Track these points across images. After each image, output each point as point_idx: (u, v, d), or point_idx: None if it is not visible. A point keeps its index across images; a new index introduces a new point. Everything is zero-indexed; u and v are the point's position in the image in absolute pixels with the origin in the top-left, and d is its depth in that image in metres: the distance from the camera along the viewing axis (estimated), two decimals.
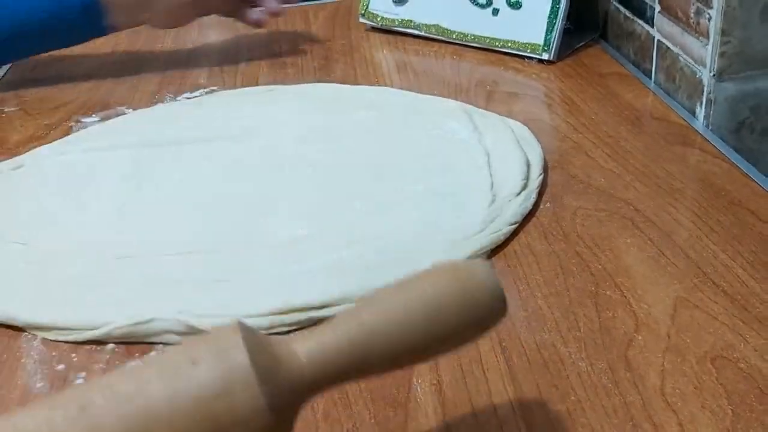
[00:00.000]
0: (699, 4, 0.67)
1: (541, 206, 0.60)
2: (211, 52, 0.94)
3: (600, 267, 0.53)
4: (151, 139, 0.70)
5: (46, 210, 0.62)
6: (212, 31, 0.99)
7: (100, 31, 0.84)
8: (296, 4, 0.98)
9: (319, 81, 0.82)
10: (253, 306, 0.49)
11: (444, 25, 0.88)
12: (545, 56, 0.82)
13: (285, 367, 0.33)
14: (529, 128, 0.68)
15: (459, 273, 0.36)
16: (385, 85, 0.81)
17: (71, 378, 0.47)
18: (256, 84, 0.83)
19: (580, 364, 0.45)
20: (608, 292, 0.50)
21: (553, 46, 0.82)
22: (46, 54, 0.88)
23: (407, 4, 0.91)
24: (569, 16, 0.83)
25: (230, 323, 0.33)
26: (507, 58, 0.85)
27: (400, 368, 0.37)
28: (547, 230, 0.57)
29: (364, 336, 0.34)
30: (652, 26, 0.77)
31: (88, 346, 0.49)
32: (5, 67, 0.93)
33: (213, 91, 0.82)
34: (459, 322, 0.35)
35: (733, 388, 0.43)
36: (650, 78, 0.78)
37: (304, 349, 0.34)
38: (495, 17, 0.86)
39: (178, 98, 0.81)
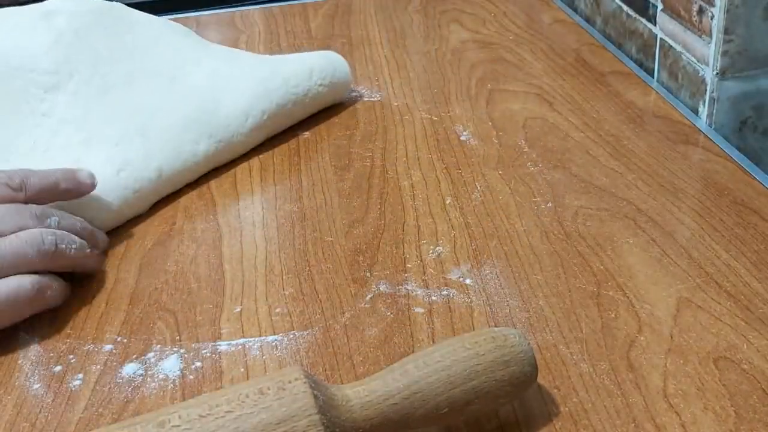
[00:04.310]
0: (702, 3, 0.67)
1: (543, 205, 0.59)
2: None
3: (602, 267, 0.52)
4: None
5: None
6: (211, 29, 0.99)
7: None
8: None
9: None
10: None
11: None
12: None
13: (338, 405, 0.37)
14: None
15: (496, 336, 0.40)
16: (385, 84, 0.80)
17: (68, 379, 0.47)
18: None
19: (581, 365, 0.45)
20: (610, 293, 0.50)
21: None
22: None
23: None
24: None
25: (293, 366, 0.38)
26: (508, 56, 0.85)
27: (442, 421, 0.39)
28: (548, 230, 0.57)
29: (410, 385, 0.38)
30: (655, 24, 0.77)
31: (86, 347, 0.49)
32: None
33: None
34: (496, 379, 0.39)
35: (736, 389, 0.43)
36: (653, 76, 0.78)
37: (355, 393, 0.38)
38: None
39: None
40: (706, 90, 0.69)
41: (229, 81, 0.69)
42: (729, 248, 0.53)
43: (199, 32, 0.90)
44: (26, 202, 0.53)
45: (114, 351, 0.49)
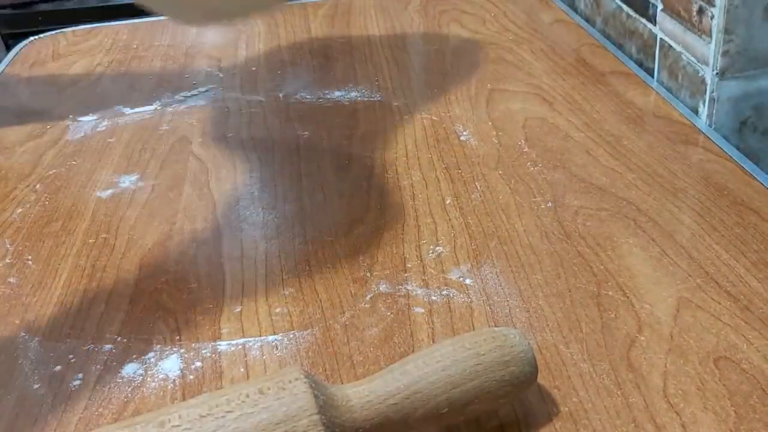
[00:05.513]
0: (702, 3, 0.67)
1: (543, 206, 0.59)
2: (210, 50, 0.93)
3: (602, 267, 0.52)
4: None
5: None
6: (210, 29, 0.99)
7: None
8: None
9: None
10: None
11: None
12: None
13: (339, 404, 0.37)
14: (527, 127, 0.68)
15: (496, 336, 0.40)
16: (385, 84, 0.80)
17: (68, 379, 0.47)
18: (255, 84, 0.83)
19: (581, 365, 0.45)
20: (610, 293, 0.50)
21: None
22: (43, 53, 0.87)
23: None
24: None
25: (293, 366, 0.38)
26: (508, 56, 0.85)
27: (442, 421, 0.39)
28: (548, 230, 0.57)
29: (410, 385, 0.38)
30: (655, 24, 0.77)
31: (86, 347, 0.49)
32: (2, 66, 0.92)
33: (211, 89, 0.82)
34: (496, 379, 0.39)
35: (736, 389, 0.43)
36: (653, 76, 0.78)
37: (355, 393, 0.38)
38: None
39: (176, 96, 0.81)
40: (706, 90, 0.69)
41: None
42: (729, 248, 0.53)
43: (198, 32, 0.91)
44: None
45: (114, 351, 0.49)
